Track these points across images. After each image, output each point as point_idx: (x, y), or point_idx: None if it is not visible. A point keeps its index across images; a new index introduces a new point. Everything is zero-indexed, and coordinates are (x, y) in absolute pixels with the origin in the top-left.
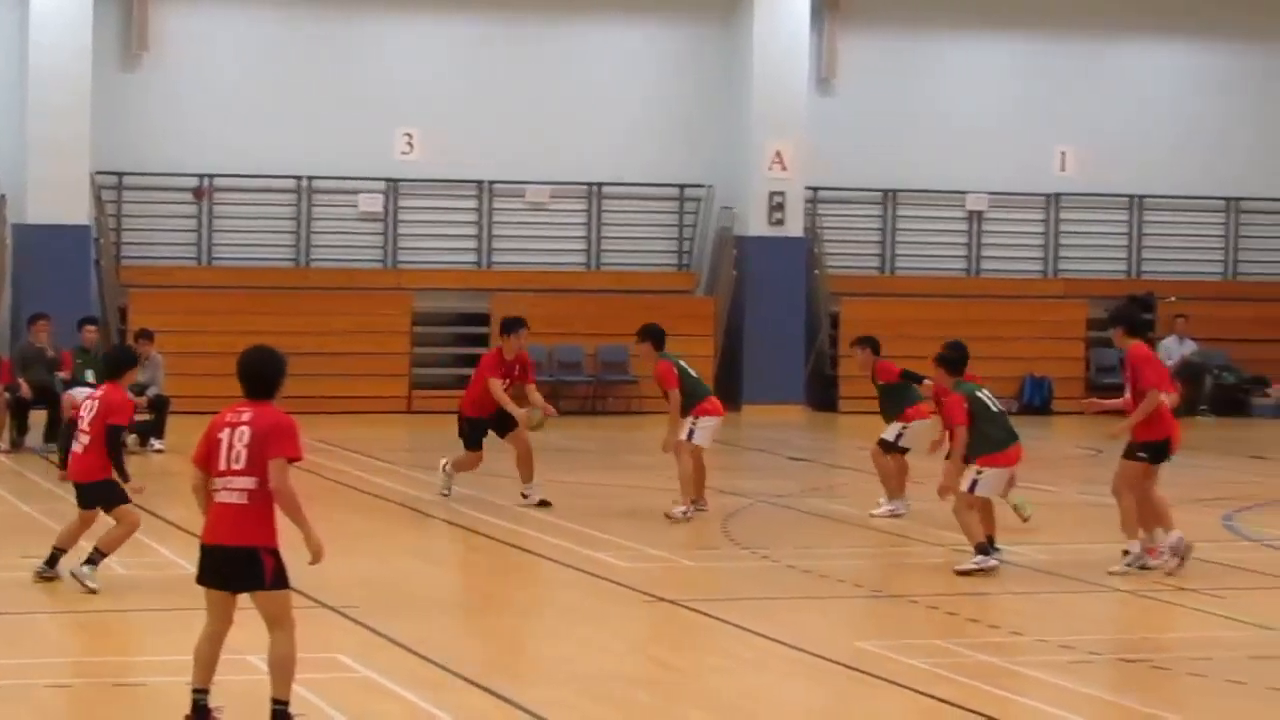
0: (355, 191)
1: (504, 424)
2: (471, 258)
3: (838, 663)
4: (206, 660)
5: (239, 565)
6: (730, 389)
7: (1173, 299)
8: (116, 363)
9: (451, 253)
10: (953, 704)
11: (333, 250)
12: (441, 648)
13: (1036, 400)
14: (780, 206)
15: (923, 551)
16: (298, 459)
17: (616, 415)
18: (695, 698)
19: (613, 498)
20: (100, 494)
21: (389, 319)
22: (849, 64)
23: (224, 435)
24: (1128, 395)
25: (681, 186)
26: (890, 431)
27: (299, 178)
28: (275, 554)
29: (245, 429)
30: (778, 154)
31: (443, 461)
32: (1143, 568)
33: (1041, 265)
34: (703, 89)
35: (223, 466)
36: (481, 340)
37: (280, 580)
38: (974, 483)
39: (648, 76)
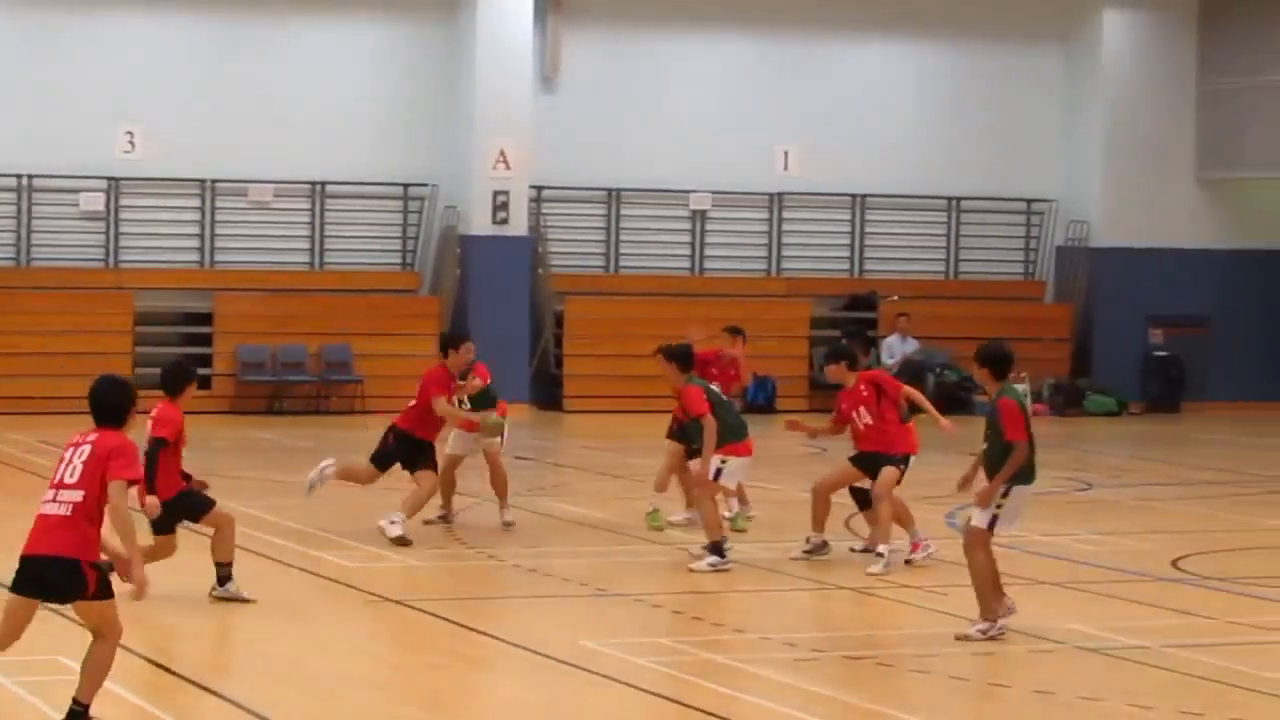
0: (76, 190)
1: (415, 456)
2: (194, 257)
3: (563, 661)
4: None
5: (60, 576)
6: None
7: (895, 298)
8: None
9: (174, 252)
10: (677, 701)
11: (53, 249)
12: (164, 649)
13: (760, 399)
14: (504, 205)
15: (648, 550)
16: (137, 481)
17: (340, 415)
18: (420, 697)
19: (336, 498)
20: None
21: (110, 319)
22: (573, 63)
23: (67, 454)
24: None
25: (405, 185)
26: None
27: (18, 176)
28: (97, 566)
29: (87, 447)
30: (501, 153)
31: (325, 463)
32: (907, 562)
33: (764, 264)
34: (426, 88)
35: (56, 480)
36: (204, 340)
37: (104, 590)
38: (718, 472)
39: (371, 75)
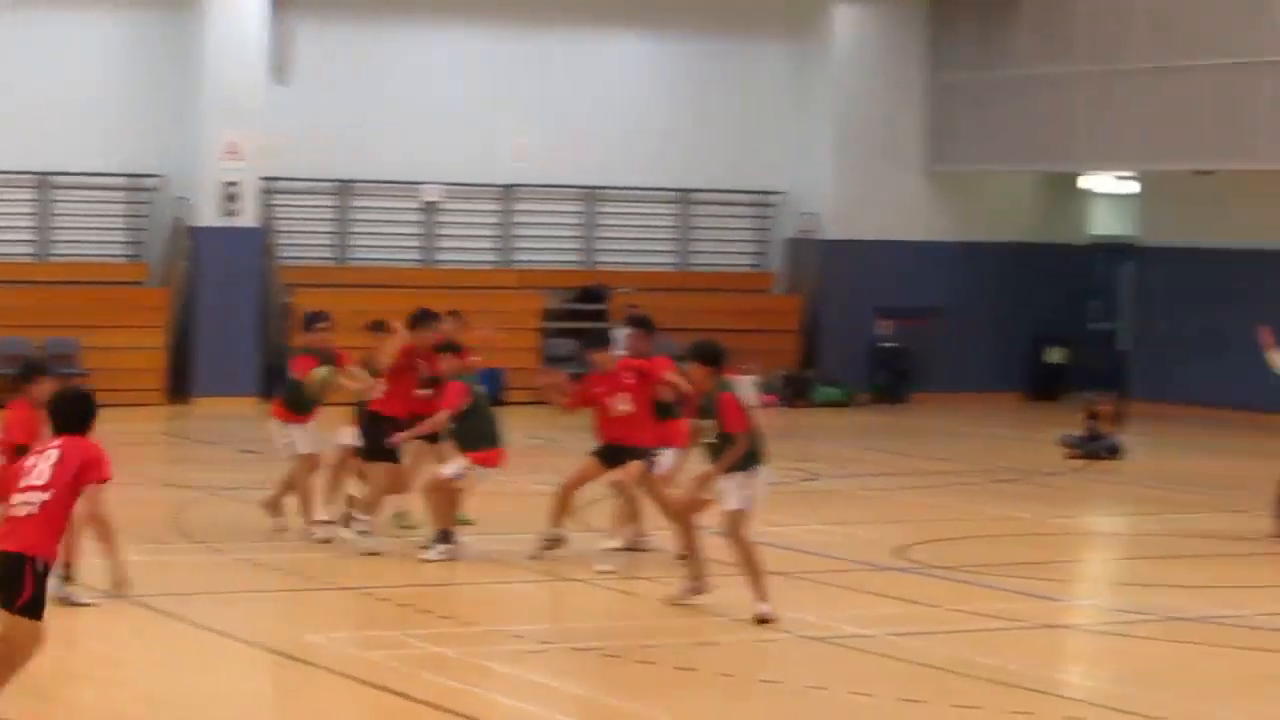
0: None
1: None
2: None
3: (288, 656)
4: None
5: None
6: (181, 381)
7: (625, 290)
8: None
9: None
10: (403, 695)
11: None
12: None
13: (491, 390)
14: (234, 197)
15: (375, 544)
16: (107, 479)
17: None
18: (140, 694)
19: None
20: None
21: None
22: (305, 54)
23: (31, 461)
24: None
25: (134, 176)
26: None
27: None
28: (45, 570)
29: (54, 452)
30: (232, 144)
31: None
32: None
33: (496, 256)
34: (157, 79)
35: (23, 484)
36: None
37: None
38: (460, 473)
39: (101, 65)
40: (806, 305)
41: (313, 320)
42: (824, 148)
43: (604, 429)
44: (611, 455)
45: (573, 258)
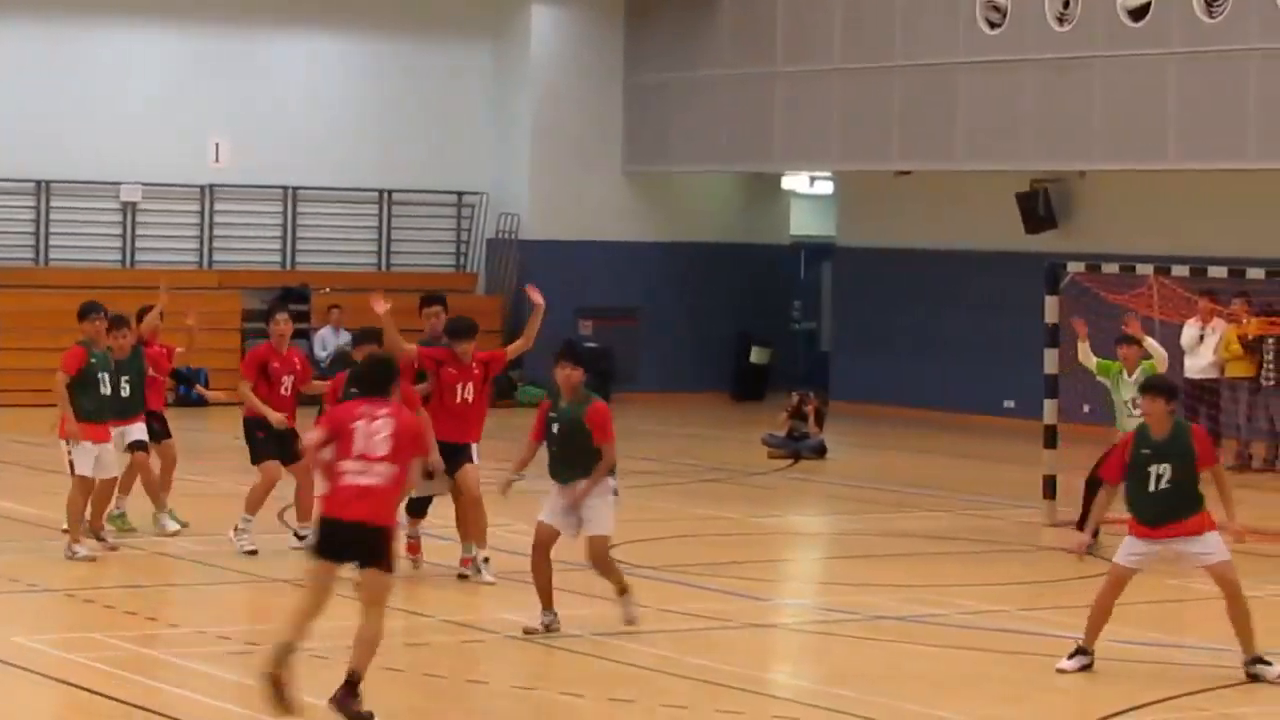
0: None
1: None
2: None
3: None
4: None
5: (367, 541)
6: None
7: (327, 290)
8: None
9: None
10: (107, 696)
11: None
12: None
13: (192, 392)
14: None
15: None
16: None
17: None
18: None
19: None
20: None
21: None
22: (2, 53)
23: (359, 425)
24: None
25: None
26: None
27: None
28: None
29: (388, 420)
30: None
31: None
32: None
33: (196, 257)
34: None
35: (358, 452)
36: None
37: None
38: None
39: None
40: (508, 306)
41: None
42: (523, 148)
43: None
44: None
45: (274, 258)
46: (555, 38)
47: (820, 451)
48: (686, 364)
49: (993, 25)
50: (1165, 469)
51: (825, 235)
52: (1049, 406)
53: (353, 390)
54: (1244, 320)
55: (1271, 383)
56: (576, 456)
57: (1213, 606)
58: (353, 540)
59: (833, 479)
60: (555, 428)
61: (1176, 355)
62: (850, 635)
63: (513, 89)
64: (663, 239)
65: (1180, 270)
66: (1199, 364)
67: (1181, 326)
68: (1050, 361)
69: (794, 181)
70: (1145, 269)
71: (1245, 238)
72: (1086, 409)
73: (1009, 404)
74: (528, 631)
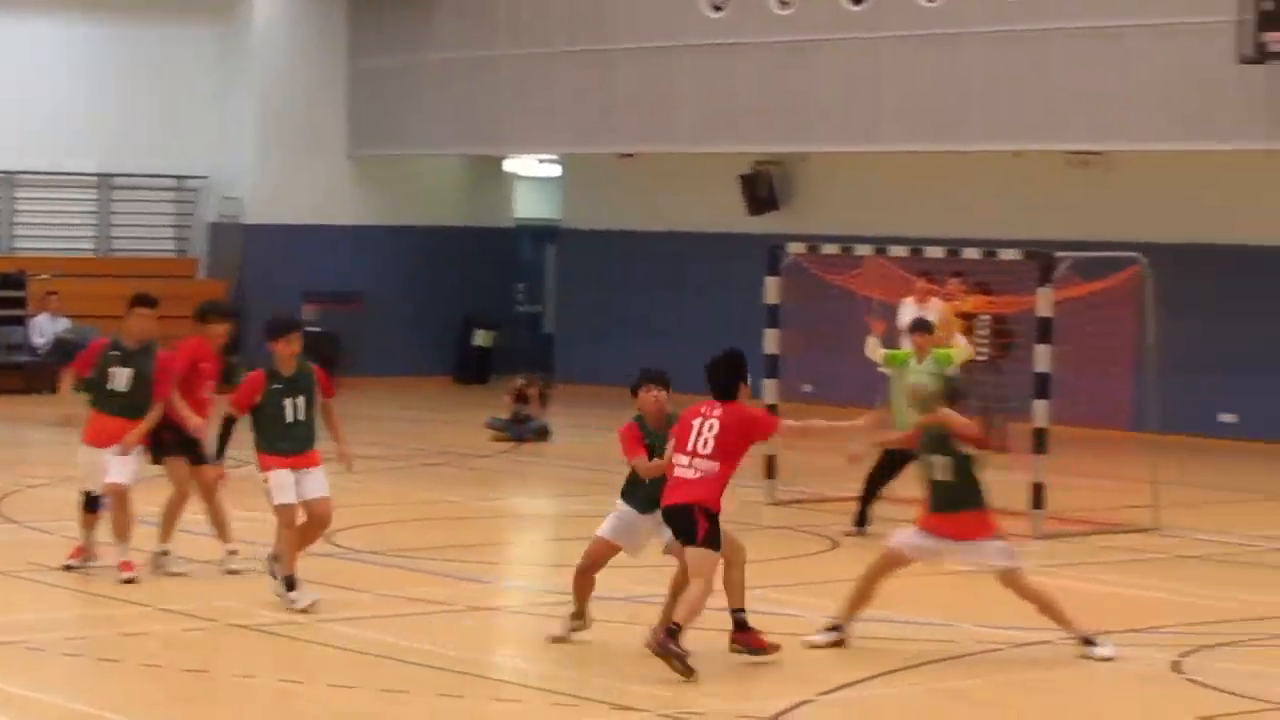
0: None
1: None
2: None
3: None
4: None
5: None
6: None
7: (45, 276)
8: None
9: None
10: None
11: None
12: None
13: None
14: None
15: None
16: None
17: None
18: None
19: None
20: None
21: None
22: None
23: (695, 423)
24: None
25: None
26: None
27: None
28: (713, 518)
29: (714, 421)
30: None
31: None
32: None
33: None
34: None
35: (690, 448)
36: None
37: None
38: None
39: None
40: (231, 290)
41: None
42: (246, 132)
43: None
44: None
45: None
46: (278, 20)
47: (544, 434)
48: (411, 348)
49: (716, 8)
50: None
51: (550, 218)
52: (769, 386)
53: None
54: (961, 300)
55: (984, 359)
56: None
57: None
58: None
59: (557, 461)
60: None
61: (895, 335)
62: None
63: (236, 72)
64: (388, 223)
65: (898, 250)
66: None
67: (899, 306)
68: (770, 342)
69: (518, 164)
70: (864, 249)
71: (961, 218)
72: (808, 389)
73: None
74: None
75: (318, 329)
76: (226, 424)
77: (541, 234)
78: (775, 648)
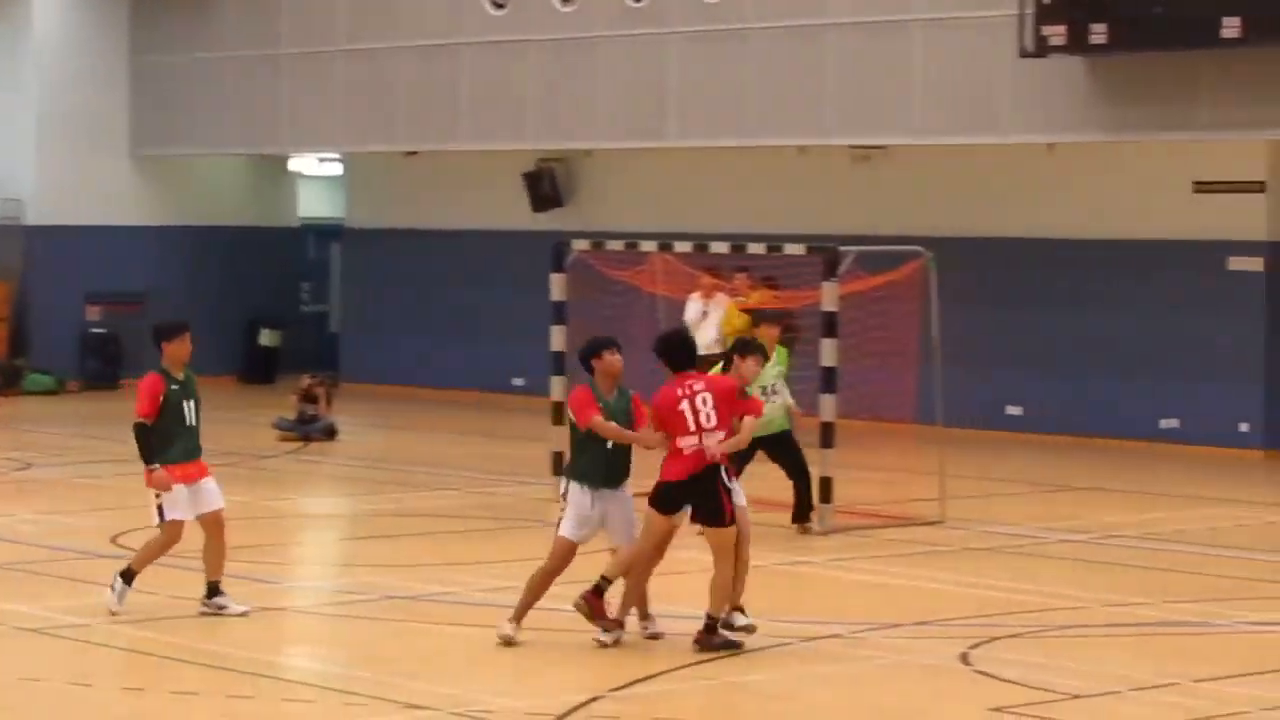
0: None
1: None
2: None
3: None
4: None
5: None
6: None
7: None
8: None
9: None
10: None
11: None
12: None
13: None
14: None
15: None
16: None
17: None
18: None
19: None
20: None
21: None
22: None
23: (684, 405)
24: None
25: None
26: None
27: None
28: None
29: (707, 394)
30: None
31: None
32: None
33: None
34: None
35: (693, 427)
36: None
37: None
38: None
39: None
40: (13, 293)
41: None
42: (26, 132)
43: None
44: None
45: None
46: (58, 18)
47: (331, 433)
48: (198, 348)
49: (497, 5)
50: None
51: (334, 217)
52: (556, 383)
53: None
54: (747, 295)
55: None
56: None
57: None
58: None
59: (344, 460)
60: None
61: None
62: (364, 616)
63: (15, 71)
64: (172, 223)
65: (683, 246)
66: (704, 339)
67: (685, 303)
68: (557, 339)
69: (301, 164)
70: (649, 245)
71: (746, 214)
72: None
73: (518, 381)
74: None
75: (101, 330)
76: (142, 432)
77: (326, 233)
78: (618, 624)
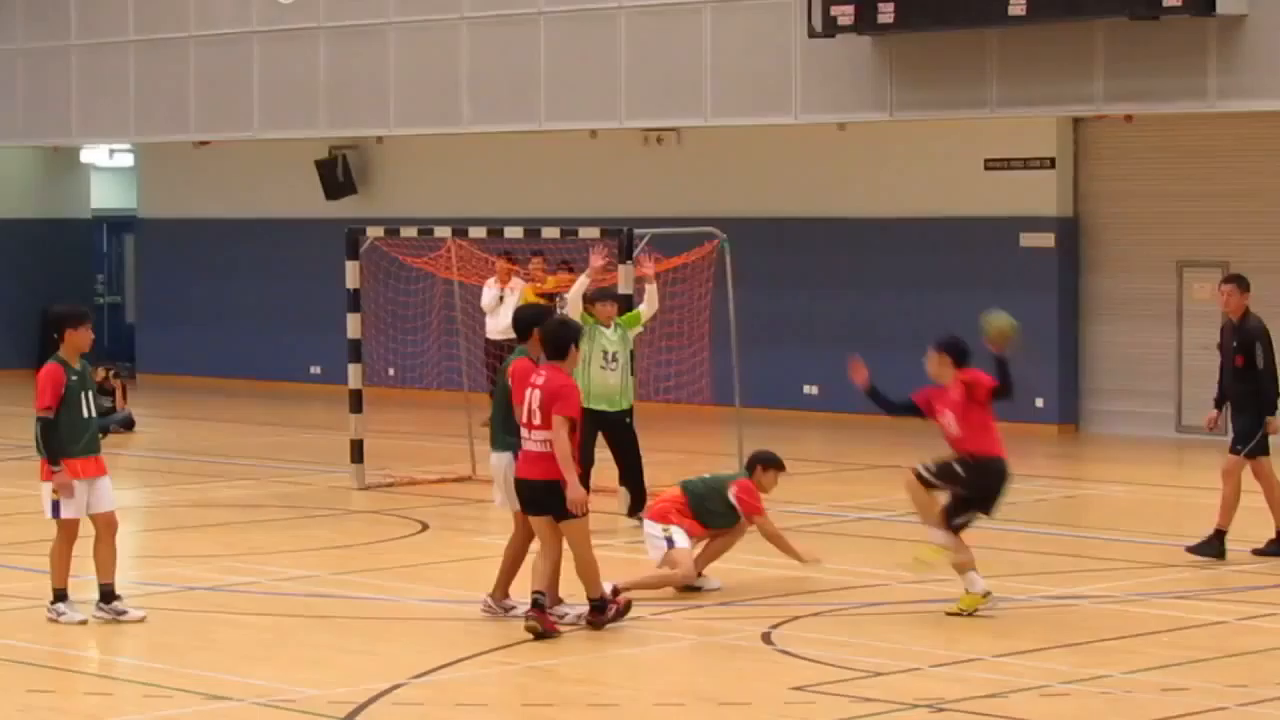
0: None
1: None
2: None
3: None
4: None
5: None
6: None
7: None
8: None
9: None
10: None
11: None
12: None
13: None
14: None
15: None
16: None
17: None
18: None
19: None
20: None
21: None
22: None
23: (527, 394)
24: None
25: None
26: None
27: None
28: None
29: (538, 392)
30: None
31: None
32: None
33: None
34: None
35: (525, 420)
36: None
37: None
38: None
39: None
40: None
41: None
42: None
43: None
44: None
45: None
46: None
47: (128, 425)
48: None
49: None
50: None
51: (128, 208)
52: (354, 371)
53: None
54: (543, 280)
55: None
56: None
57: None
58: None
59: (141, 452)
60: None
61: (478, 317)
62: (163, 608)
63: None
64: None
65: (478, 232)
66: (500, 324)
67: (481, 288)
68: (353, 326)
69: (93, 155)
70: (443, 232)
71: (540, 198)
72: (391, 372)
73: (315, 369)
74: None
75: None
76: (48, 427)
77: (119, 224)
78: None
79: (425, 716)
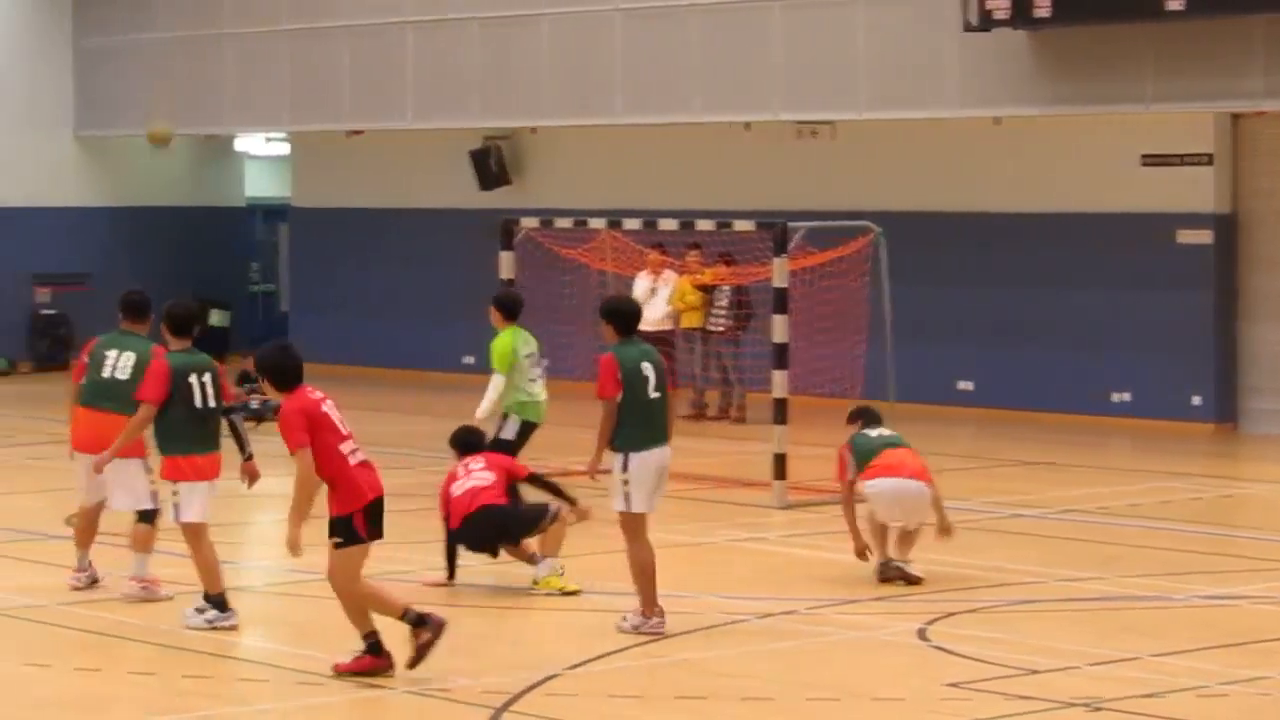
0: None
1: None
2: None
3: None
4: None
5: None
6: None
7: None
8: None
9: None
10: None
11: None
12: None
13: None
14: None
15: None
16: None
17: None
18: None
19: None
20: None
21: None
22: None
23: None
24: None
25: None
26: None
27: None
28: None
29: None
30: None
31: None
32: None
33: None
34: None
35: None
36: None
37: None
38: None
39: None
40: None
41: None
42: None
43: None
44: None
45: None
46: (3, 2)
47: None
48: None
49: None
50: None
51: (281, 196)
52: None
53: None
54: (700, 272)
55: (720, 330)
56: None
57: None
58: None
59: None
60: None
61: None
62: (316, 595)
63: None
64: (117, 204)
65: (632, 223)
66: (654, 315)
67: (633, 280)
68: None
69: (247, 143)
70: (598, 223)
71: (694, 190)
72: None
73: (468, 359)
74: None
75: (51, 311)
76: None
77: (273, 213)
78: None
79: (578, 708)
